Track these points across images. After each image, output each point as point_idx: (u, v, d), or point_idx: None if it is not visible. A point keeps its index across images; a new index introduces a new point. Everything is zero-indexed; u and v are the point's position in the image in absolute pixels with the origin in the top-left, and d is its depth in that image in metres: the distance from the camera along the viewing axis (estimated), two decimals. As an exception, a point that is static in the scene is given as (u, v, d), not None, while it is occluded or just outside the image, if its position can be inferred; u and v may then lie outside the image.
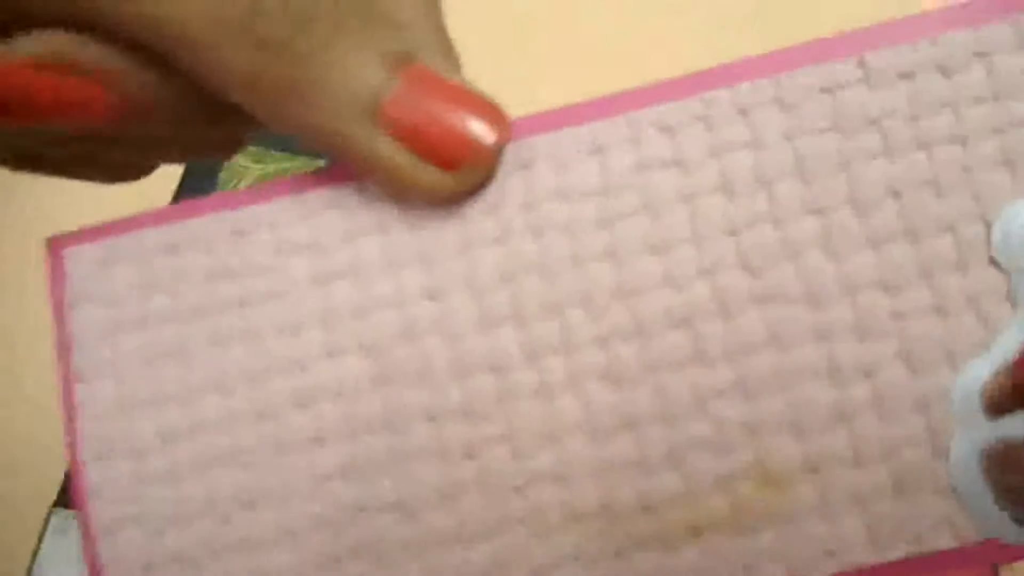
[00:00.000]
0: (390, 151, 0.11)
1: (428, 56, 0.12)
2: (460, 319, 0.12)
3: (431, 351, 0.12)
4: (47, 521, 0.31)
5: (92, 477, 0.13)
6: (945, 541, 0.11)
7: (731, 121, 0.12)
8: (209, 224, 0.13)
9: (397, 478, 0.12)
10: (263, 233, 0.13)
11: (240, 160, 0.33)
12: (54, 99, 0.11)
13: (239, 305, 0.13)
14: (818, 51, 0.12)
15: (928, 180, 0.11)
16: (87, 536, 0.13)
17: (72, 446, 0.13)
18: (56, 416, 0.33)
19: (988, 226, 0.11)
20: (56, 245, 0.13)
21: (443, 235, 0.12)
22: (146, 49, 0.11)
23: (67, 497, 0.31)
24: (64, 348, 0.13)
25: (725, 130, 0.12)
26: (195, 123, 0.13)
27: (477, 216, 0.12)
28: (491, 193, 0.12)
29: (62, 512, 0.31)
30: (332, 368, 0.12)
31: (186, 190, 0.34)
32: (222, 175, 0.33)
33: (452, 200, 0.12)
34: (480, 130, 0.11)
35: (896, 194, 0.11)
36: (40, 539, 0.31)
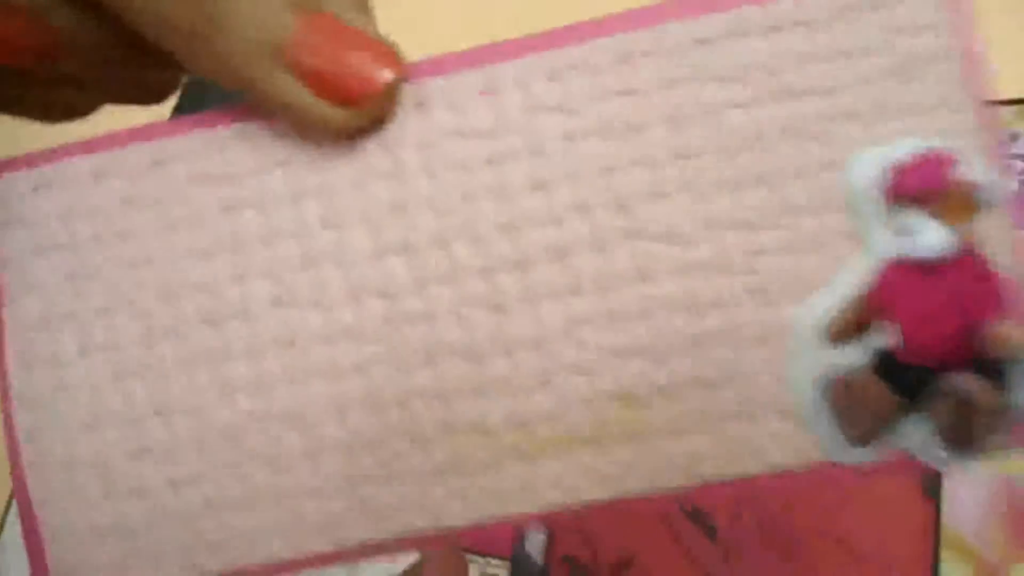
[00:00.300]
0: (293, 90, 0.12)
1: (334, 4, 0.13)
2: (354, 248, 0.13)
3: (327, 277, 0.13)
4: (7, 507, 0.32)
5: (16, 386, 0.14)
6: (787, 460, 0.12)
7: (613, 68, 0.13)
8: (130, 154, 0.14)
9: (292, 392, 0.13)
10: (179, 164, 0.14)
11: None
12: None
13: (155, 230, 0.13)
14: (697, 5, 0.13)
15: (787, 129, 0.12)
16: (12, 441, 0.14)
17: (1, 357, 0.14)
18: None
19: (840, 173, 0.12)
20: (-11, 170, 0.14)
21: (342, 169, 0.13)
22: None
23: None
24: (-5, 266, 0.14)
25: (606, 77, 0.13)
26: (123, 64, 0.13)
27: (374, 152, 0.13)
28: (388, 131, 0.13)
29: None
30: (238, 290, 0.13)
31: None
32: None
33: (350, 135, 0.13)
34: (375, 70, 0.12)
35: (757, 141, 0.12)
36: (1, 527, 0.32)
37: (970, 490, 0.26)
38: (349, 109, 0.12)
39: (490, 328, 0.13)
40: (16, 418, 0.13)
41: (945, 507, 0.26)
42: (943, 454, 0.12)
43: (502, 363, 0.13)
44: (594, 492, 0.12)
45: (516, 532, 0.31)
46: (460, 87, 0.13)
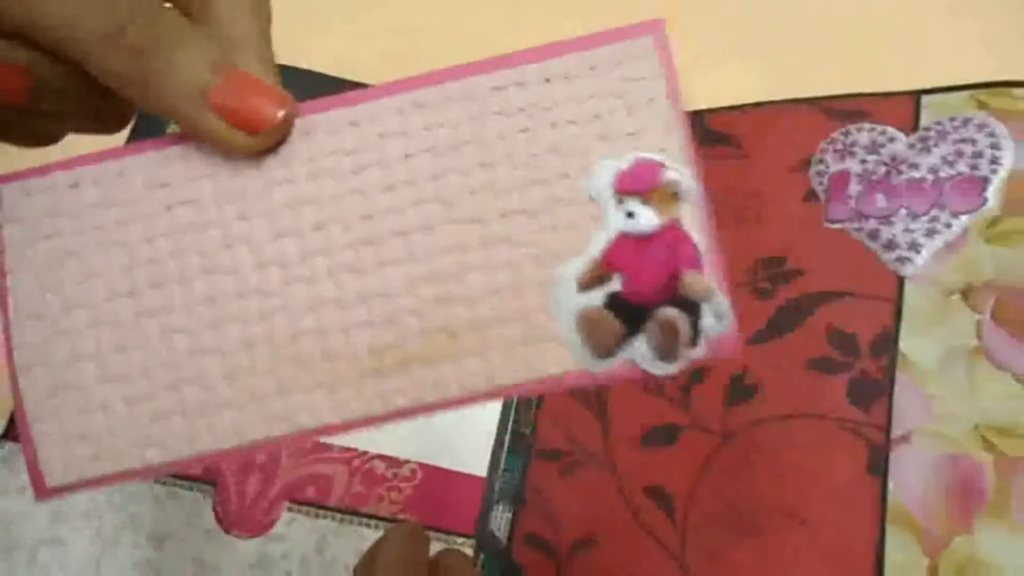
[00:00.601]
0: (214, 122, 0.18)
1: (244, 61, 0.18)
2: (260, 234, 0.18)
3: (240, 254, 0.18)
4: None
5: (14, 336, 0.19)
6: (554, 370, 0.18)
7: (438, 108, 0.18)
8: (100, 168, 0.19)
9: (215, 333, 0.18)
10: (137, 175, 0.19)
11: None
12: None
13: (117, 223, 0.19)
14: (495, 64, 0.18)
15: (554, 147, 0.18)
16: (12, 373, 0.19)
17: (4, 317, 0.19)
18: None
19: (590, 177, 0.18)
20: (-6, 180, 0.19)
21: (251, 179, 0.19)
22: (53, 51, 0.17)
23: (12, 430, 0.36)
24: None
25: (434, 114, 0.18)
26: (88, 101, 0.19)
27: (274, 166, 0.19)
28: (284, 151, 0.19)
29: (7, 445, 0.36)
30: (176, 263, 0.19)
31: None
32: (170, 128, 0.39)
33: (256, 154, 0.18)
34: (272, 109, 0.18)
35: (535, 156, 0.18)
36: None
37: (915, 467, 0.28)
38: (255, 136, 0.18)
39: (354, 286, 0.18)
40: (16, 357, 0.19)
41: (891, 484, 0.28)
42: (658, 363, 0.17)
43: (362, 309, 0.18)
44: (427, 396, 0.18)
45: (481, 511, 0.34)
46: (335, 120, 0.19)
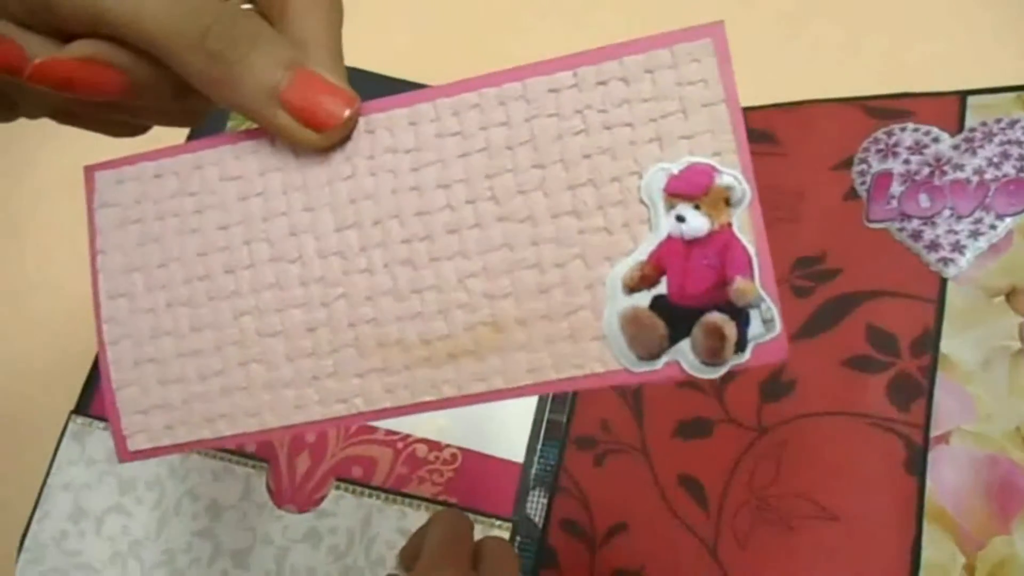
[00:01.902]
0: (285, 120, 0.19)
1: (313, 62, 0.19)
2: (323, 225, 0.20)
3: (305, 243, 0.20)
4: (65, 427, 0.38)
5: (104, 312, 0.20)
6: (598, 368, 0.18)
7: (494, 109, 0.19)
8: (179, 161, 0.21)
9: (280, 316, 0.20)
10: (212, 167, 0.20)
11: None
12: (90, 80, 0.19)
13: (195, 212, 0.20)
14: (551, 66, 0.19)
15: (607, 149, 0.19)
16: (101, 347, 0.21)
17: (95, 293, 0.21)
18: (76, 329, 0.40)
19: (641, 179, 0.19)
20: (90, 169, 0.21)
21: (317, 173, 0.20)
22: (147, 53, 0.19)
23: (85, 404, 0.38)
24: (92, 235, 0.21)
25: (490, 114, 0.19)
26: (172, 98, 0.20)
27: (338, 162, 0.20)
28: (348, 147, 0.20)
29: (79, 419, 0.38)
30: (248, 251, 0.20)
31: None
32: (230, 124, 0.41)
33: (323, 150, 0.20)
34: (338, 108, 0.19)
35: (588, 157, 0.19)
36: (58, 445, 0.38)
37: (953, 467, 0.28)
38: (322, 133, 0.19)
39: (408, 278, 0.19)
40: (105, 331, 0.20)
41: (929, 483, 0.28)
42: (703, 367, 0.18)
43: (416, 300, 0.19)
44: (474, 387, 0.19)
45: (517, 496, 0.35)
46: (395, 119, 0.20)
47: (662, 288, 0.18)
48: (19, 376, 0.41)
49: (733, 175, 0.18)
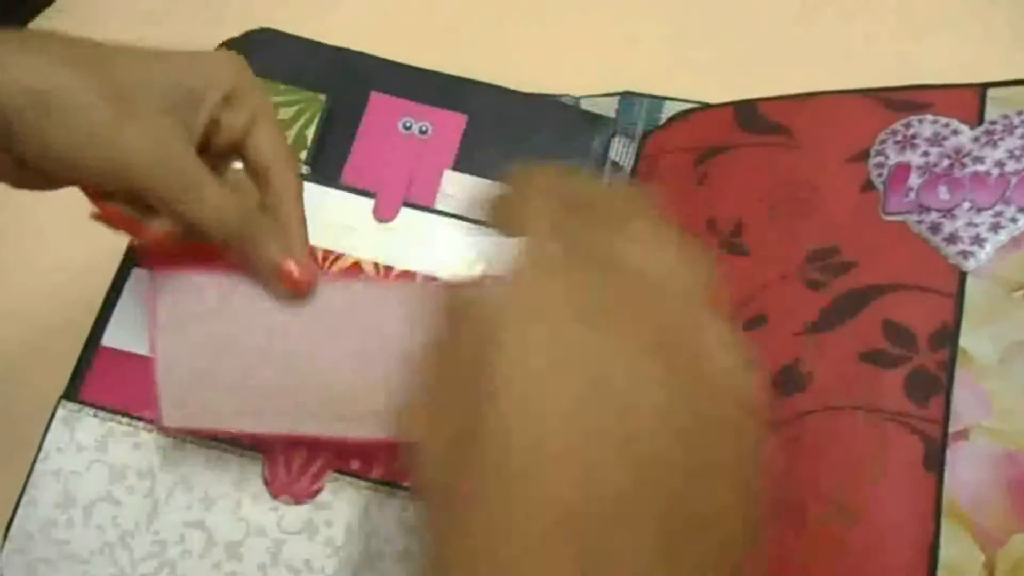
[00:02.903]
0: (277, 283, 0.31)
1: (293, 240, 0.31)
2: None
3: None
4: (54, 413, 0.36)
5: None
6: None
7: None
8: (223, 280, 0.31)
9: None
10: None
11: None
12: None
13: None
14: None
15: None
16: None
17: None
18: (65, 312, 0.39)
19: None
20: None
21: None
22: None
23: (75, 390, 0.37)
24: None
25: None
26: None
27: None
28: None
29: (69, 405, 0.37)
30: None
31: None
32: None
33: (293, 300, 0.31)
34: (309, 281, 0.31)
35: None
36: (46, 431, 0.36)
37: (972, 463, 0.27)
38: (295, 293, 0.31)
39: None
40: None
41: (947, 479, 0.27)
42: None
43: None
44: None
45: None
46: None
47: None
48: (5, 360, 0.40)
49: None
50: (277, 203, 0.31)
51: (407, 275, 0.37)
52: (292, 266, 0.30)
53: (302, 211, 0.32)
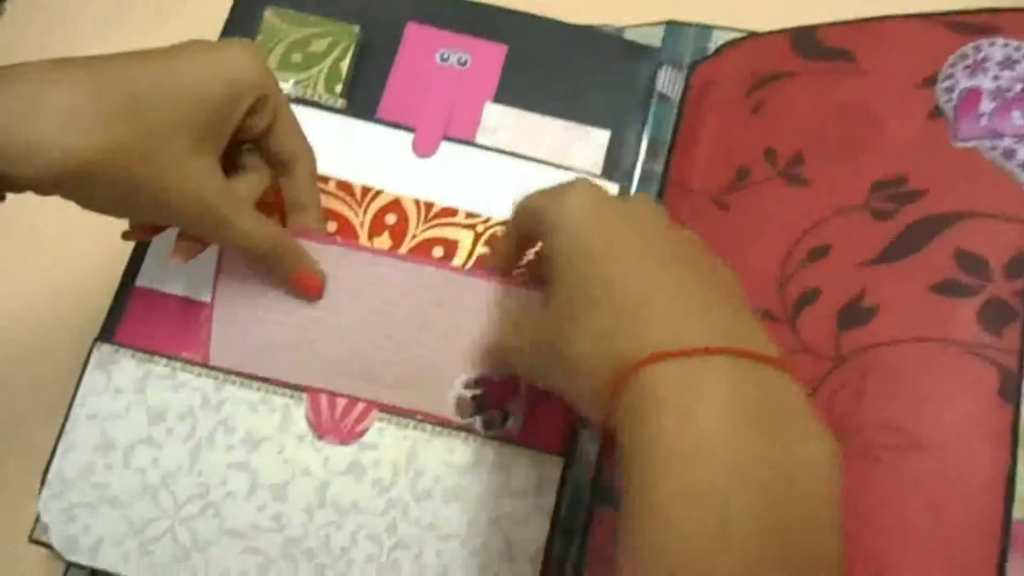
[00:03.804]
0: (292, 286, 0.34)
1: (310, 218, 0.34)
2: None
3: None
4: (89, 355, 0.35)
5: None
6: (440, 412, 0.33)
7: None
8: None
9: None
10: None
11: (278, 23, 0.39)
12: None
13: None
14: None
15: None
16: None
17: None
18: (98, 252, 0.37)
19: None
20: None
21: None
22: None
23: (110, 331, 0.36)
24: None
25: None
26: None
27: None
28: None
29: (104, 347, 0.35)
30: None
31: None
32: (260, 37, 0.38)
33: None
34: (317, 286, 0.34)
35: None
36: (81, 374, 0.35)
37: None
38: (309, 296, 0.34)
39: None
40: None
41: None
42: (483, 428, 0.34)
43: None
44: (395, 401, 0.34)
45: (570, 429, 0.34)
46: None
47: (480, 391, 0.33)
48: (38, 303, 0.39)
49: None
50: (300, 188, 0.33)
51: (449, 212, 0.36)
52: (305, 278, 0.34)
53: (318, 194, 0.35)
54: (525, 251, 0.32)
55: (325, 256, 0.34)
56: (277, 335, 0.34)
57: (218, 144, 0.30)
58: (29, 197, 0.28)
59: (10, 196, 0.27)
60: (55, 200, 0.31)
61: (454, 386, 0.34)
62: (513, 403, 0.34)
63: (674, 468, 0.20)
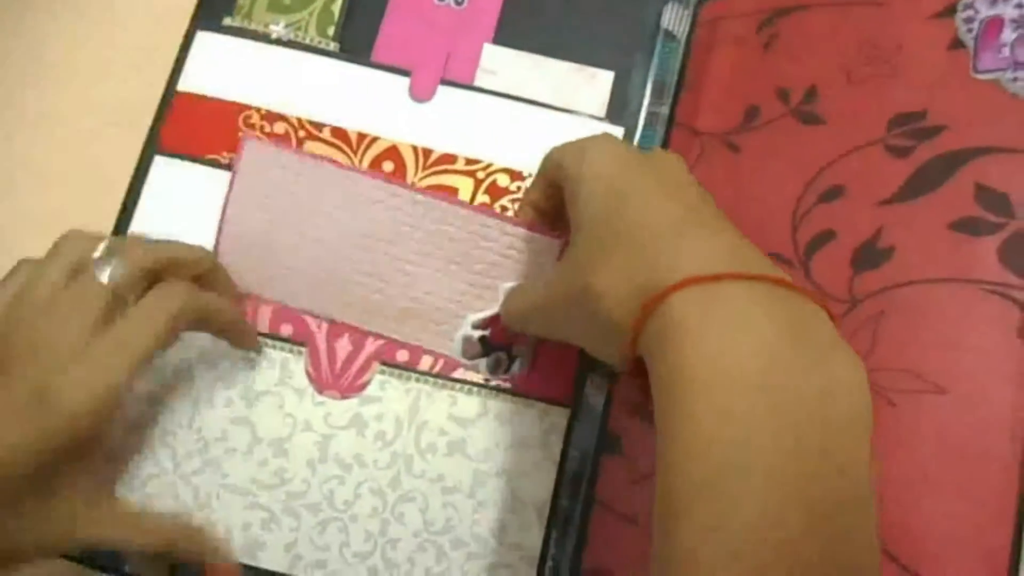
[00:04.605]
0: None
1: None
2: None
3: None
4: (147, 169, 0.33)
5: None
6: (444, 352, 0.33)
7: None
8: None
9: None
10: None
11: None
12: None
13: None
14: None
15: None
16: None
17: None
18: (156, 68, 0.35)
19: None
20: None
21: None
22: None
23: (164, 146, 0.33)
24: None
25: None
26: None
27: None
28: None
29: (161, 159, 0.33)
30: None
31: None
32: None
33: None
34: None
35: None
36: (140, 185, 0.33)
37: None
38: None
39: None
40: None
41: None
42: (488, 372, 0.33)
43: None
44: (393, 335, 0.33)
45: (577, 380, 0.33)
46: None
47: (487, 333, 0.33)
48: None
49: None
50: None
51: (448, 158, 0.35)
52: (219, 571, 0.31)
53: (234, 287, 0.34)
54: (554, 202, 0.32)
55: (338, 181, 0.33)
56: (282, 260, 0.33)
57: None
58: (29, 199, 0.26)
59: (22, 186, 0.26)
60: (61, 191, 0.29)
61: (462, 326, 0.33)
62: (520, 348, 0.33)
63: (706, 389, 0.20)
